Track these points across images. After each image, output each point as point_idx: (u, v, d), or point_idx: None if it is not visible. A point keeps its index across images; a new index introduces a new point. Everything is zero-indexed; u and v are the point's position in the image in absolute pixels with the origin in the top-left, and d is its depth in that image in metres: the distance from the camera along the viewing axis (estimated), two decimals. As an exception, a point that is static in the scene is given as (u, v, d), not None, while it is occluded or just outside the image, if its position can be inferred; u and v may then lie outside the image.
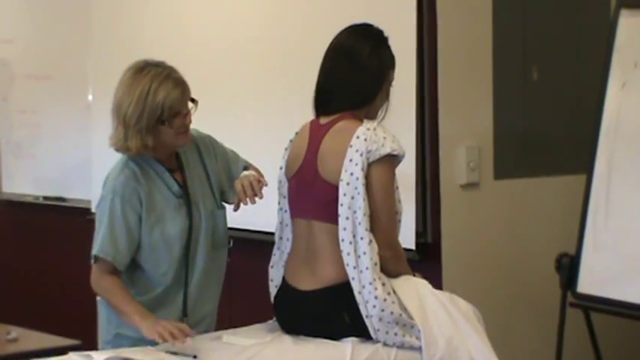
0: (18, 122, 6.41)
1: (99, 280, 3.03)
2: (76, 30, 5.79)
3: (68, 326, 4.74)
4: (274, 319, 3.11)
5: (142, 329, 2.89)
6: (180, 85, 2.99)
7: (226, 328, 3.12)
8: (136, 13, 5.27)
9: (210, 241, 3.13)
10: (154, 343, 2.86)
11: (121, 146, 3.00)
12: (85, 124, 5.63)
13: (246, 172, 3.10)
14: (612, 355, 3.90)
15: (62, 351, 3.21)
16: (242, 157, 3.28)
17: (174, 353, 2.80)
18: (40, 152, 6.23)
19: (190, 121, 3.03)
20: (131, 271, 3.06)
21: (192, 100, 3.02)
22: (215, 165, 3.19)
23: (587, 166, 3.74)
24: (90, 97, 5.63)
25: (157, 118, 2.94)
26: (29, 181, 6.34)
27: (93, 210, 5.47)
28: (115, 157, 3.10)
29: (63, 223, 6.10)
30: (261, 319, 3.18)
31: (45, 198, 6.14)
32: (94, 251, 3.02)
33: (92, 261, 3.04)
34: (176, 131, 2.99)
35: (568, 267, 3.70)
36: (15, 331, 4.40)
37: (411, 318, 2.82)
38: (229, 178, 3.19)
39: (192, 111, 3.02)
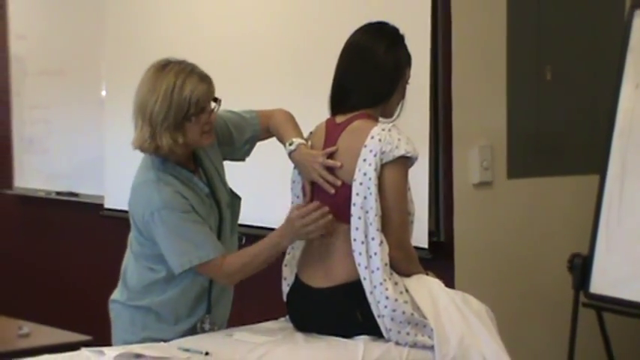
0: (31, 118, 6.44)
1: (229, 269, 2.95)
2: (89, 26, 5.81)
3: (80, 322, 4.75)
4: (286, 316, 3.11)
5: (292, 239, 2.95)
6: (205, 79, 2.93)
7: (238, 326, 3.12)
8: (150, 9, 5.28)
9: (229, 232, 3.12)
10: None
11: (147, 146, 2.89)
12: (98, 119, 5.65)
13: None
14: (624, 356, 3.89)
15: (74, 346, 3.22)
16: (243, 113, 3.19)
17: (187, 350, 2.80)
18: (53, 147, 6.25)
19: (215, 119, 2.97)
20: (172, 275, 3.00)
21: (215, 100, 2.96)
22: (218, 151, 3.12)
23: (600, 167, 3.73)
24: (103, 93, 5.65)
25: (183, 114, 2.86)
26: (42, 177, 6.37)
27: (105, 205, 5.54)
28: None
29: (75, 218, 6.12)
30: (272, 316, 3.18)
31: (57, 193, 6.16)
32: (209, 257, 2.91)
33: (207, 264, 2.94)
34: (201, 129, 2.91)
35: (581, 267, 3.68)
36: (27, 326, 4.42)
37: (424, 317, 2.81)
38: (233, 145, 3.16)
39: (215, 110, 2.95)
